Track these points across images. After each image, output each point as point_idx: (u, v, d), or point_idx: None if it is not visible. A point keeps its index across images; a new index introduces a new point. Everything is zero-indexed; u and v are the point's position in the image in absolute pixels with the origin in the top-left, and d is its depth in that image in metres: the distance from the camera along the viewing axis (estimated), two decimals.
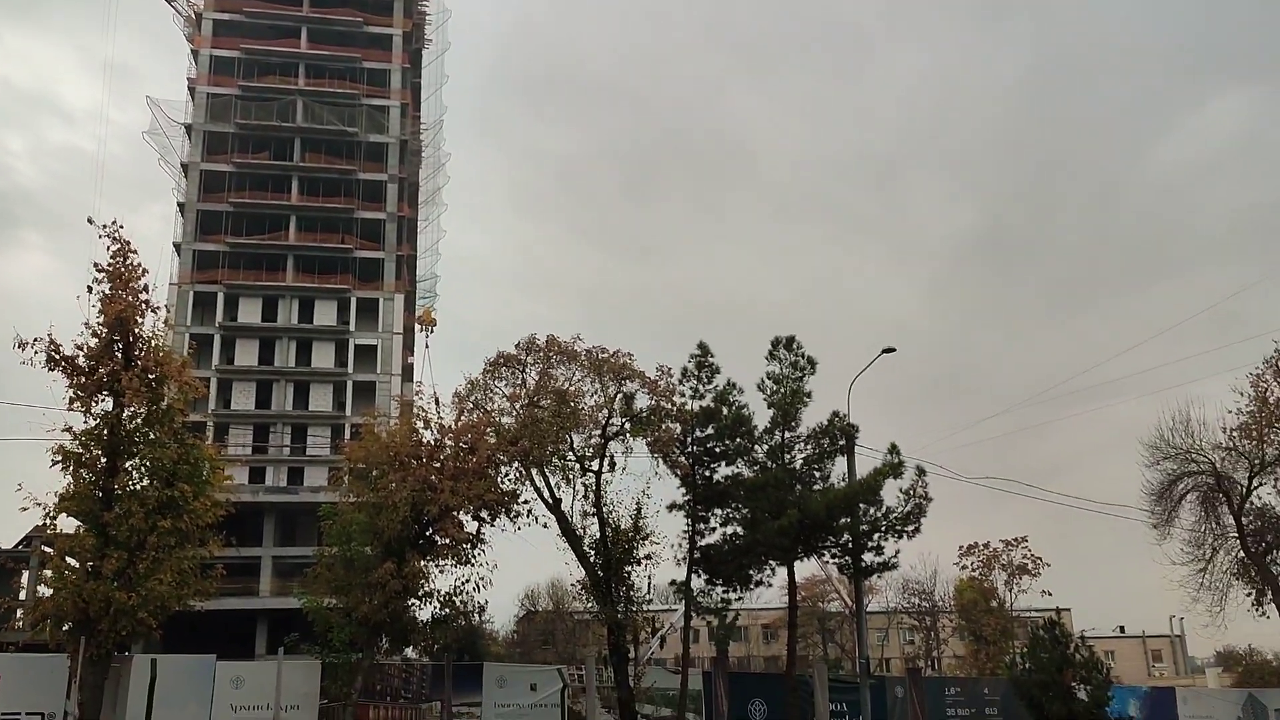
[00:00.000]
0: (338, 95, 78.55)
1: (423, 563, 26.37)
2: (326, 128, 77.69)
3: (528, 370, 28.14)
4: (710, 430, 28.96)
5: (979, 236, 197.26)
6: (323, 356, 74.81)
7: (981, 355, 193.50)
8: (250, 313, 74.51)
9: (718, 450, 29.12)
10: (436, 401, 27.79)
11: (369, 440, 27.56)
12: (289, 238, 75.85)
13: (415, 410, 29.05)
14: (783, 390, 28.88)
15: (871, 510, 28.82)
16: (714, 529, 29.53)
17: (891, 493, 28.84)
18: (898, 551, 29.11)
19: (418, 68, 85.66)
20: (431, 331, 76.29)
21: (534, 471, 27.30)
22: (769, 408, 29.10)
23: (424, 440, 27.14)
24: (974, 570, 60.07)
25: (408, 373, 79.04)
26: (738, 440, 28.95)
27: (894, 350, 30.59)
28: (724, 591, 29.69)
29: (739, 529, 29.12)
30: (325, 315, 75.57)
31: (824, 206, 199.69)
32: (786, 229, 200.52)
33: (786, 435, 29.14)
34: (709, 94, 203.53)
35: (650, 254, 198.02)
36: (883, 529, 28.77)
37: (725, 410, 28.78)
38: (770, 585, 30.80)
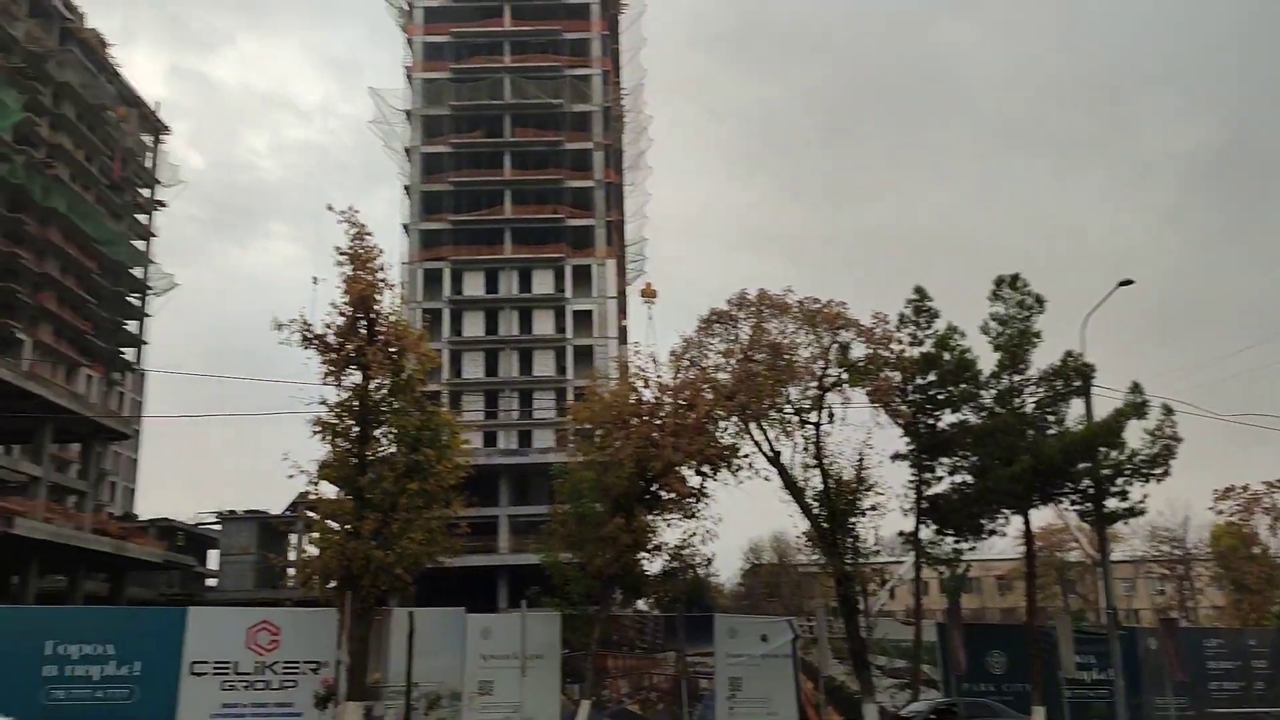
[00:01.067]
0: (542, 69, 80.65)
1: (650, 517, 27.02)
2: (533, 101, 79.97)
3: (740, 325, 28.16)
4: (932, 377, 28.17)
5: (1218, 154, 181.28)
6: (543, 323, 77.63)
7: (1226, 283, 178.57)
8: (474, 285, 78.16)
9: (941, 397, 28.31)
10: (654, 361, 28.25)
11: (592, 402, 28.39)
12: (505, 211, 78.83)
13: (633, 371, 29.68)
14: (1009, 331, 27.70)
15: (1113, 454, 27.24)
16: (941, 478, 28.81)
17: (1134, 435, 27.20)
18: (1145, 496, 27.48)
19: (616, 34, 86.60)
20: (654, 303, 77.58)
21: (752, 426, 27.39)
22: (994, 350, 28.01)
23: (644, 399, 27.69)
24: (1232, 515, 55.97)
25: (623, 335, 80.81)
26: (962, 386, 28.04)
27: (1131, 282, 28.59)
28: (955, 542, 29.00)
29: (968, 478, 28.28)
30: (543, 284, 78.27)
31: (1041, 135, 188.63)
32: (1002, 162, 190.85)
33: (1015, 378, 27.96)
34: (909, 29, 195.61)
35: (856, 200, 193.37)
36: (1127, 473, 27.18)
37: (947, 355, 27.90)
38: (1004, 535, 29.82)
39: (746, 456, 27.27)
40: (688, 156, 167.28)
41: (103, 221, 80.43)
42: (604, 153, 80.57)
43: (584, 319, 77.71)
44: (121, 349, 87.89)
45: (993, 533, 28.91)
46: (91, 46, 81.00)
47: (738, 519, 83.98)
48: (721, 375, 27.54)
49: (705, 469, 26.87)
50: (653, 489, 26.76)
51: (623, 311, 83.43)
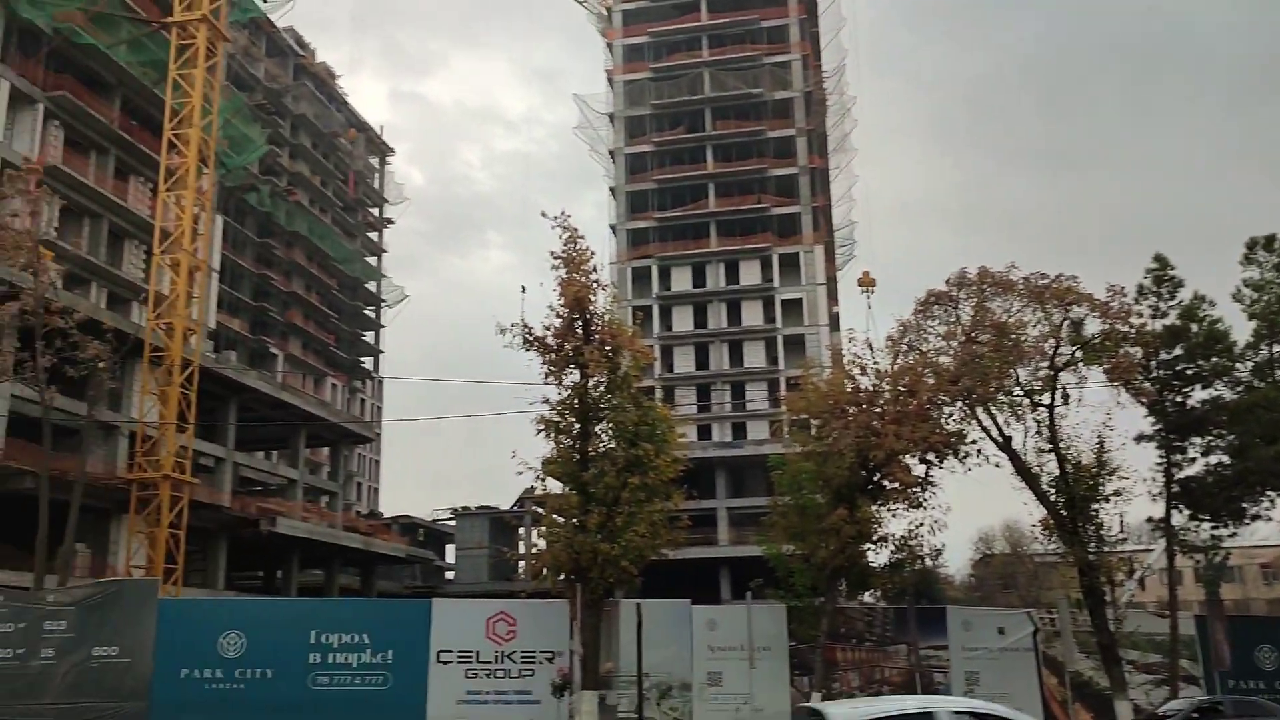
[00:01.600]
0: (740, 60, 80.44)
1: (874, 508, 26.38)
2: (733, 93, 79.91)
3: (961, 306, 27.03)
4: (1178, 351, 26.21)
5: None
6: (752, 315, 77.47)
7: None
8: (682, 281, 78.92)
9: (1189, 372, 26.29)
10: (870, 347, 27.55)
11: (807, 391, 28.00)
12: (709, 205, 79.17)
13: (849, 358, 29.04)
14: (1265, 297, 25.41)
15: None
16: (1193, 459, 26.74)
17: None
18: None
19: (815, 17, 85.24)
20: (872, 292, 75.77)
21: (979, 410, 26.27)
22: (1249, 319, 25.78)
23: (861, 387, 27.07)
24: None
25: (834, 322, 79.53)
26: (1213, 359, 25.95)
27: None
28: (1212, 528, 26.84)
29: (1224, 458, 26.15)
30: (750, 275, 78.11)
31: None
32: (1244, 116, 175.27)
33: (1275, 349, 25.60)
34: None
35: (1079, 168, 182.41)
36: None
37: (1195, 327, 25.89)
38: (1269, 519, 27.37)
39: (974, 443, 26.17)
40: (895, 135, 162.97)
41: (339, 241, 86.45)
42: (807, 138, 79.54)
43: (793, 308, 77.00)
44: (360, 358, 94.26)
45: (1255, 517, 26.61)
46: (321, 79, 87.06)
47: (966, 508, 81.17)
48: (943, 359, 26.54)
49: (930, 457, 25.96)
50: (875, 479, 26.12)
51: (834, 298, 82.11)
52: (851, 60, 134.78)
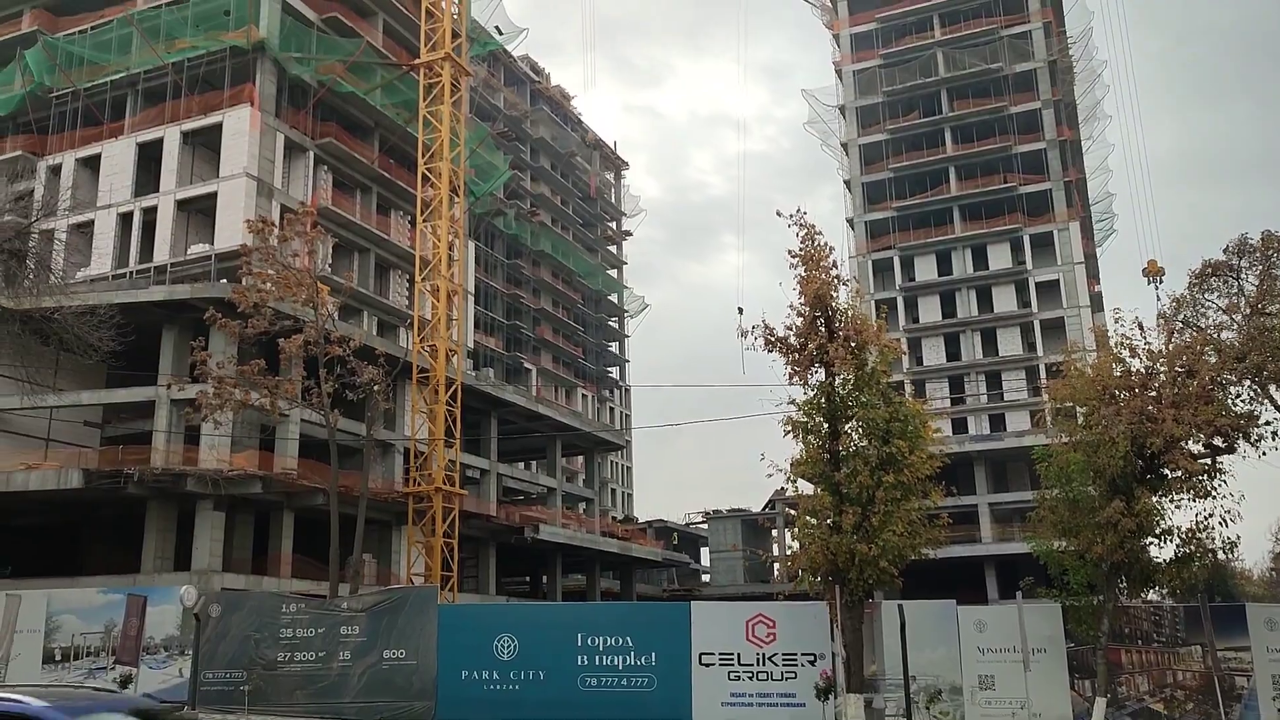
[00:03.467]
0: (975, 36, 76.95)
1: (1154, 499, 24.43)
2: (969, 71, 76.55)
3: (1243, 276, 24.67)
4: None
5: None
6: (1004, 300, 73.80)
7: None
8: (926, 270, 76.28)
9: None
10: (1140, 327, 25.54)
11: (1072, 377, 26.26)
12: (950, 189, 76.16)
13: (1116, 339, 27.04)
14: None
15: None
16: None
17: None
18: None
19: None
20: (1160, 281, 70.55)
21: (1273, 389, 23.82)
22: None
23: (1133, 369, 25.14)
24: None
25: (1096, 302, 74.55)
26: None
27: None
28: None
29: None
30: (999, 259, 74.44)
31: None
32: None
33: None
34: None
35: None
36: None
37: None
38: None
39: (1269, 424, 23.74)
40: (1152, 95, 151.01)
41: (582, 257, 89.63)
42: (1054, 110, 74.99)
43: (1049, 290, 72.69)
44: (607, 368, 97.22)
45: None
46: (557, 101, 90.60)
47: (1263, 496, 73.84)
48: (1226, 334, 24.28)
49: (1216, 441, 23.77)
50: (1155, 467, 24.18)
51: (1094, 277, 76.93)
52: (1100, 20, 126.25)
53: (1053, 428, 27.76)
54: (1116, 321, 26.05)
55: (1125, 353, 25.45)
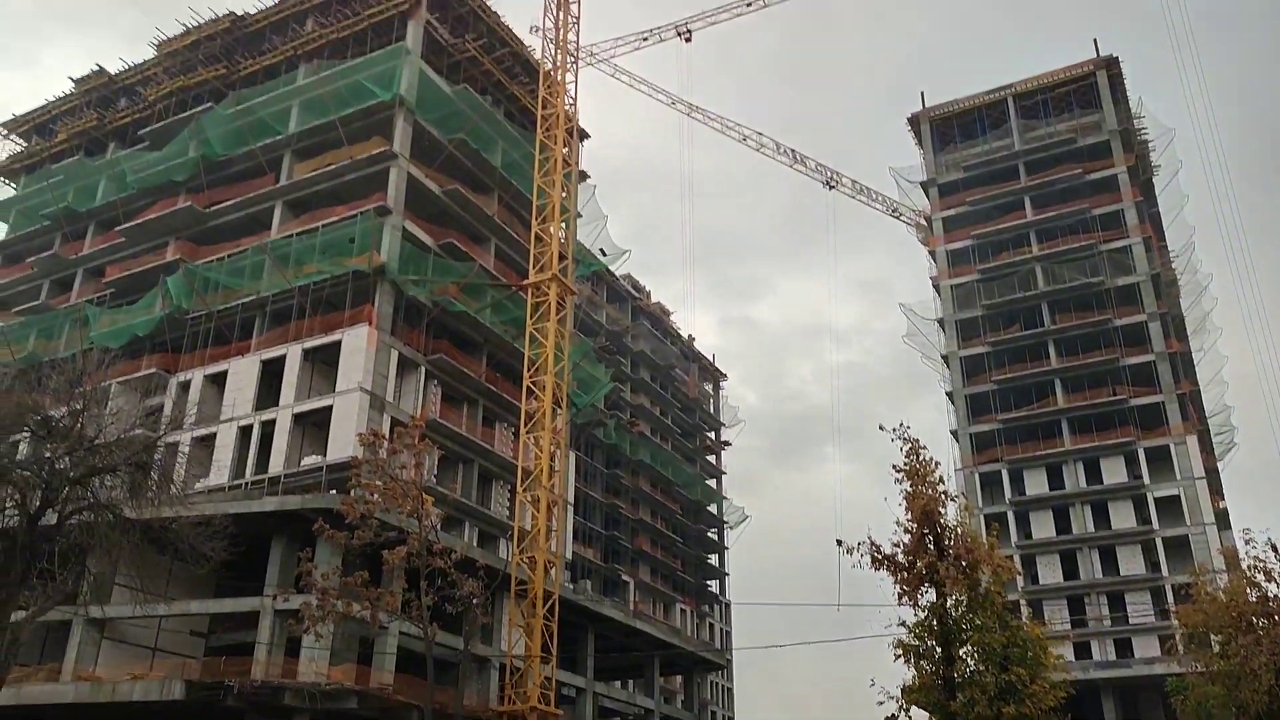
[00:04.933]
0: (1074, 251, 77.33)
1: None
2: (1069, 285, 76.50)
3: None
4: None
5: None
6: (1121, 516, 70.68)
7: None
8: (1036, 484, 73.94)
9: None
10: (1274, 548, 24.21)
11: (1203, 601, 24.90)
12: (1057, 402, 74.71)
13: (1249, 561, 25.56)
14: None
15: None
16: None
17: None
18: None
19: (1151, 197, 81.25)
20: None
21: None
22: None
23: (1269, 594, 23.65)
24: None
25: (1222, 519, 70.86)
26: None
27: None
28: None
29: None
30: (1114, 473, 71.83)
31: None
32: None
33: None
34: None
35: None
36: None
37: None
38: None
39: None
40: (1272, 303, 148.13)
41: (681, 467, 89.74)
42: (1160, 322, 73.89)
43: (1170, 506, 69.36)
44: (706, 581, 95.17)
45: None
46: (656, 316, 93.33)
47: None
48: None
49: None
50: None
51: (1217, 493, 73.41)
52: (1201, 235, 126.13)
53: (1186, 656, 26.03)
54: (1247, 543, 24.81)
55: (1260, 576, 24.10)
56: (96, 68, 63.00)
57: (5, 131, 65.34)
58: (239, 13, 56.98)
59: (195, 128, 53.66)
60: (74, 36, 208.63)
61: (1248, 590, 24.11)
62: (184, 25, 57.95)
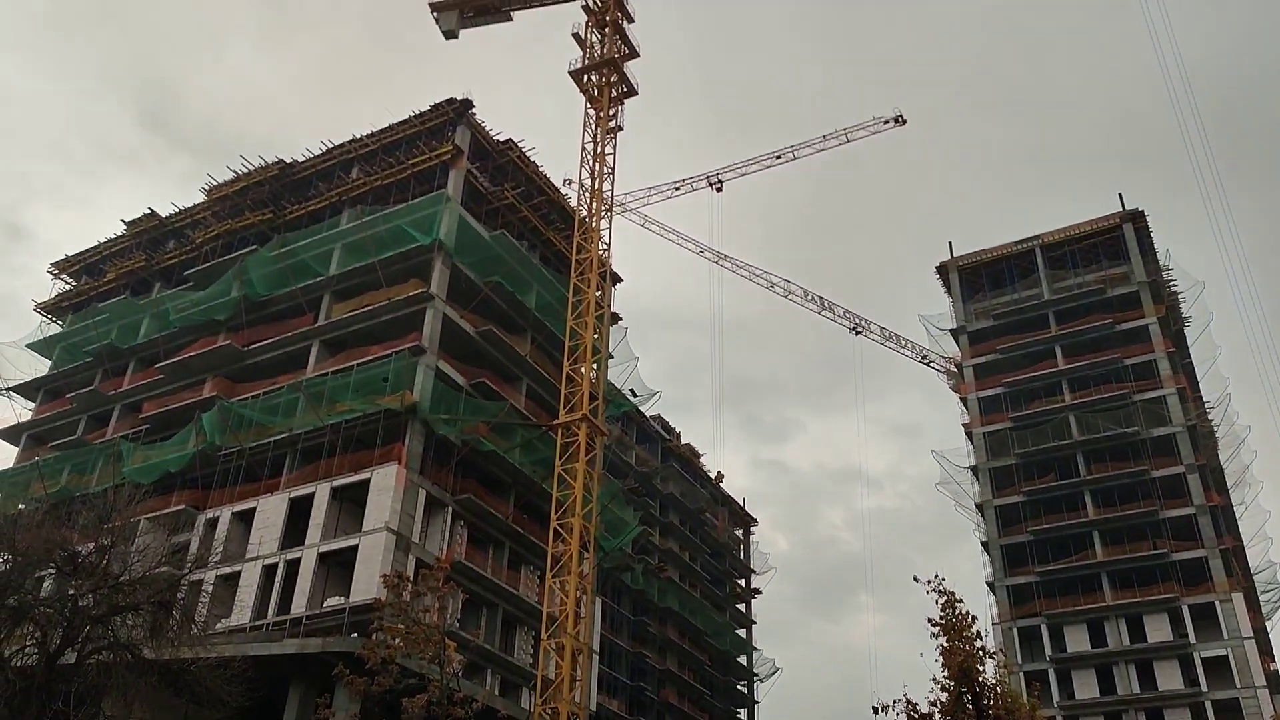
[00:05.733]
0: (1107, 400, 76.78)
1: None
2: (1104, 434, 75.62)
3: None
4: None
5: None
6: (1168, 677, 67.87)
7: None
8: (1077, 640, 71.47)
9: None
10: None
11: None
12: (1096, 555, 72.86)
13: None
14: None
15: None
16: None
17: None
18: None
19: (1184, 348, 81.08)
20: None
21: None
22: None
23: None
24: None
25: (1273, 682, 67.84)
26: None
27: None
28: None
29: None
30: (1158, 630, 69.36)
31: None
32: None
33: None
34: None
35: None
36: None
37: None
38: None
39: None
40: None
41: (710, 615, 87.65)
42: (1199, 475, 72.54)
43: (1218, 667, 66.64)
44: None
45: None
46: (686, 458, 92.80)
47: None
48: None
49: None
50: None
51: (1267, 653, 70.53)
52: (1237, 385, 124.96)
53: None
54: None
55: None
56: (148, 211, 65.19)
57: (56, 271, 67.47)
58: (287, 160, 59.24)
59: (239, 269, 55.18)
60: (129, 178, 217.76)
61: None
62: (234, 171, 60.30)
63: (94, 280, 64.99)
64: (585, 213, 50.17)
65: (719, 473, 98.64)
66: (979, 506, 79.27)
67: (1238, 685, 65.21)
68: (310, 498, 46.84)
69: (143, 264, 62.08)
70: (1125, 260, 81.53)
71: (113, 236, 66.27)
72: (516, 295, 54.29)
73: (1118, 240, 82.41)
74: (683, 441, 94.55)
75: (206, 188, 62.59)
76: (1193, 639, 67.66)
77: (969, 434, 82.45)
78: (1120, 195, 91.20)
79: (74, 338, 62.36)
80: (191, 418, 52.46)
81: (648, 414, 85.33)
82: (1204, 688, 66.02)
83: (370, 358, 49.21)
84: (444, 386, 48.72)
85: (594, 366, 47.30)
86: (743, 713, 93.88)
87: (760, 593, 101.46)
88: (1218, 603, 68.11)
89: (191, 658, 25.55)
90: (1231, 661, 66.25)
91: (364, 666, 28.99)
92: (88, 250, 66.90)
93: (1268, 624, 74.32)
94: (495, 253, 53.74)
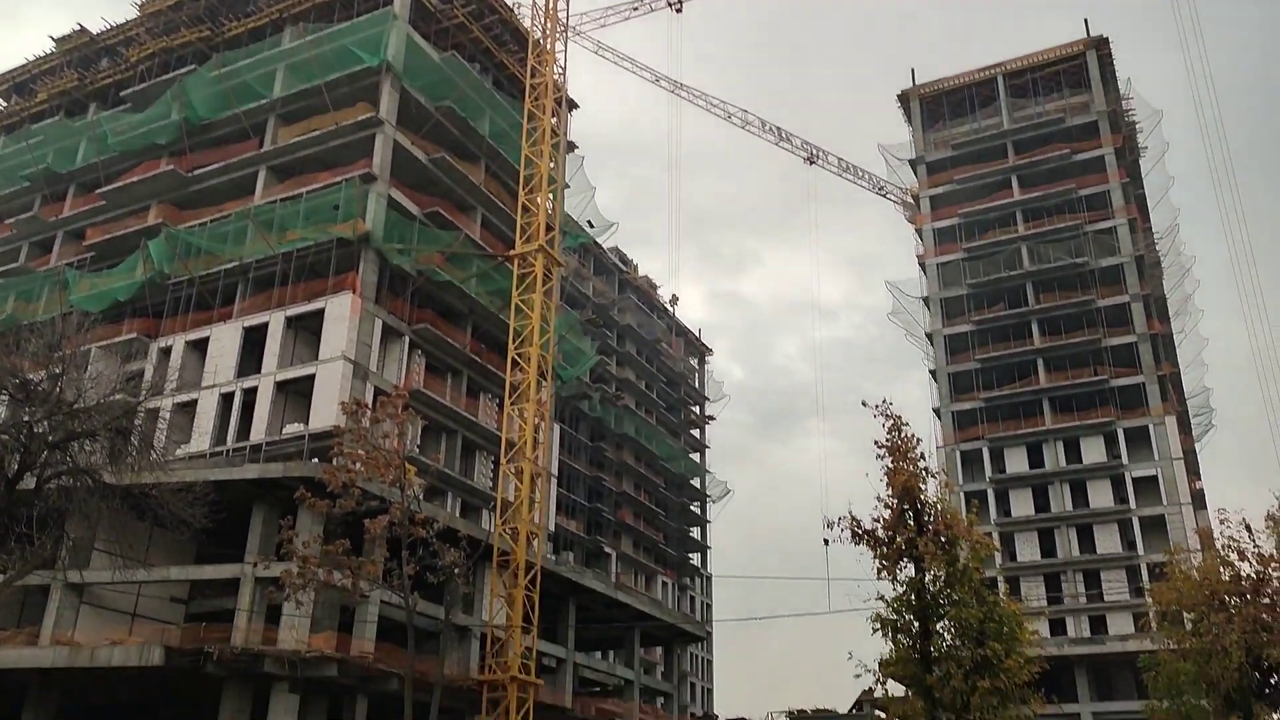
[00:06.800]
0: (1059, 231, 77.62)
1: (1275, 717, 22.75)
2: (1054, 265, 76.81)
3: None
4: None
5: None
6: (1099, 496, 71.39)
7: None
8: (1017, 462, 74.54)
9: None
10: (1248, 529, 24.48)
11: (1177, 580, 25.19)
12: (1039, 381, 75.19)
13: (1223, 540, 25.86)
14: None
15: None
16: None
17: None
18: None
19: (1138, 179, 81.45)
20: None
21: None
22: None
23: (1242, 574, 23.95)
24: None
25: (1198, 500, 71.63)
26: None
27: None
28: None
29: None
30: (1093, 452, 72.49)
31: None
32: None
33: None
34: None
35: None
36: None
37: None
38: None
39: None
40: (1248, 284, 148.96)
41: (665, 441, 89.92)
42: (1143, 304, 74.34)
43: (1148, 486, 70.14)
44: (688, 554, 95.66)
45: None
46: (644, 290, 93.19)
47: None
48: None
49: None
50: (1273, 681, 22.64)
51: (1194, 473, 74.17)
52: (1186, 216, 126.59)
53: (1159, 633, 26.37)
54: (1222, 522, 25.06)
55: (1233, 556, 24.38)
56: (77, 26, 62.08)
57: None
58: None
59: (178, 90, 53.01)
60: None
61: (1221, 569, 24.42)
62: None
63: (25, 100, 62.20)
64: (540, 34, 48.47)
65: (674, 295, 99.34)
66: (929, 336, 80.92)
67: (1164, 503, 68.78)
68: (265, 327, 46.59)
69: (75, 84, 59.40)
70: (1087, 89, 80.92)
71: (42, 54, 63.23)
72: (469, 121, 52.83)
73: (1081, 69, 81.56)
74: (640, 274, 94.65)
75: (138, 2, 59.47)
76: (1125, 460, 70.86)
77: (923, 265, 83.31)
78: (1085, 21, 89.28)
79: (8, 161, 60.04)
80: (137, 245, 51.37)
81: (605, 246, 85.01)
82: (1133, 505, 69.61)
83: (320, 185, 48.09)
84: (397, 215, 47.96)
85: (550, 196, 46.67)
86: (696, 532, 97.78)
87: (714, 419, 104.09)
88: (1151, 426, 71.06)
89: (153, 483, 25.87)
90: (1160, 481, 69.67)
91: (326, 490, 29.66)
92: (16, 69, 63.89)
93: (1197, 446, 77.86)
94: (446, 75, 51.96)
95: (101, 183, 55.12)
